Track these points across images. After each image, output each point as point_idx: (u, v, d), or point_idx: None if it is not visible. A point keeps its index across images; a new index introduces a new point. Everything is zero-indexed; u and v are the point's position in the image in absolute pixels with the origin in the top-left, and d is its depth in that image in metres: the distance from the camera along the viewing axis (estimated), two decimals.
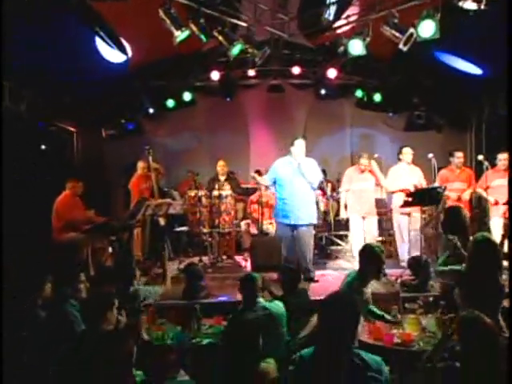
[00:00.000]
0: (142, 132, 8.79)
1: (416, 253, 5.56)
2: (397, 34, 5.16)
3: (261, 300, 3.58)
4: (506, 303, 3.37)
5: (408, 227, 6.15)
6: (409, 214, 6.15)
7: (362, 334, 3.23)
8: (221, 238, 6.96)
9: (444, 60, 6.80)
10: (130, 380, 2.52)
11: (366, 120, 9.12)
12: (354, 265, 6.36)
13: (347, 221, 6.94)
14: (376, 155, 6.34)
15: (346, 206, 6.59)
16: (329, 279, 5.91)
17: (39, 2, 4.66)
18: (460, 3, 4.34)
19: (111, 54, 6.19)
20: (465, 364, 2.34)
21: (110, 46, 5.89)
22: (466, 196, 6.21)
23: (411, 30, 5.01)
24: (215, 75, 7.93)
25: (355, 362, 2.16)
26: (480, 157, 6.06)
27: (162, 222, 6.41)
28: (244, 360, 2.53)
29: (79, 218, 5.83)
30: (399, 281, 5.18)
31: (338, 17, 6.20)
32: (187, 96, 8.49)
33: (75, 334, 2.95)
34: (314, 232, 6.06)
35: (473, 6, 4.34)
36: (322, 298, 4.13)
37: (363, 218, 6.34)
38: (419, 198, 5.42)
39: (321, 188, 7.66)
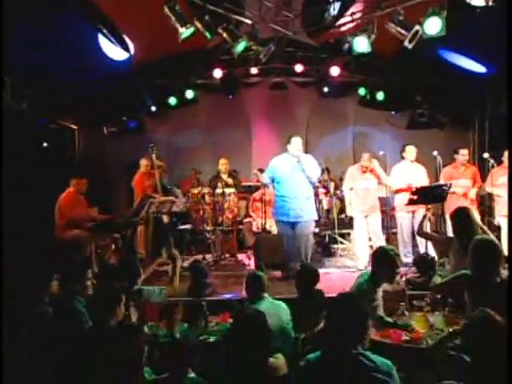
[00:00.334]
0: (144, 130, 8.76)
1: (421, 251, 5.55)
2: (402, 32, 5.13)
3: (266, 295, 3.60)
4: None
5: (411, 226, 6.14)
6: (413, 212, 6.15)
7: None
8: (224, 236, 6.95)
9: (448, 58, 6.79)
10: (139, 378, 2.50)
11: (369, 118, 9.09)
12: (358, 263, 6.39)
13: (351, 219, 6.93)
14: (381, 153, 6.32)
15: (350, 203, 6.55)
16: (332, 278, 5.90)
17: (39, 2, 4.66)
18: (468, 0, 4.32)
19: (114, 52, 6.18)
20: (475, 362, 2.33)
21: (112, 43, 5.88)
22: (473, 194, 6.17)
23: (417, 27, 4.99)
24: (217, 73, 7.91)
25: (364, 363, 2.12)
26: (485, 155, 6.03)
27: (165, 219, 6.40)
28: (252, 354, 2.49)
29: (82, 215, 5.82)
30: (404, 279, 5.16)
31: (341, 14, 6.18)
32: (189, 94, 8.47)
33: (83, 330, 2.94)
34: (313, 229, 6.04)
35: (481, 3, 4.32)
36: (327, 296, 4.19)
37: (366, 216, 6.33)
38: (424, 196, 5.41)
39: (324, 186, 7.68)
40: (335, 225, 7.19)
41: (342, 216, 7.56)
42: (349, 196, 6.55)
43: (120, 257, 5.80)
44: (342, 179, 7.95)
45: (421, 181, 6.15)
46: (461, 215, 4.20)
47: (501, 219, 5.89)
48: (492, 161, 5.85)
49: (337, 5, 6.15)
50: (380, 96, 8.39)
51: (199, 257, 6.77)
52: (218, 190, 6.71)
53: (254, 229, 7.16)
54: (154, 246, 6.57)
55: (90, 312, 2.97)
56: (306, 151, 6.29)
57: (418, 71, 7.73)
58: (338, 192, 7.63)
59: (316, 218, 6.03)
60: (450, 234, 4.92)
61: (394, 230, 6.83)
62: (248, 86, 8.92)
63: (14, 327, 3.27)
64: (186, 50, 6.83)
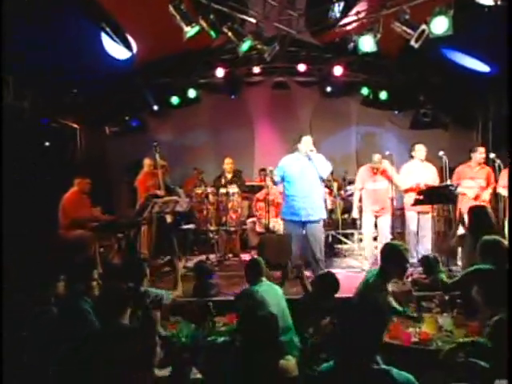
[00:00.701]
0: (146, 129, 8.75)
1: (428, 251, 5.50)
2: (408, 31, 5.11)
3: (264, 279, 3.87)
4: None
5: (419, 225, 6.10)
6: (425, 213, 6.10)
7: None
8: (227, 236, 6.92)
9: (451, 57, 6.76)
10: (148, 379, 2.47)
11: (372, 118, 9.07)
12: (364, 264, 6.36)
13: (354, 219, 6.90)
14: (387, 153, 6.27)
15: (358, 206, 6.52)
16: (340, 278, 5.83)
17: (40, 2, 4.64)
18: None
19: (116, 51, 6.15)
20: (496, 363, 2.30)
21: (115, 42, 5.85)
22: (486, 196, 6.03)
23: (423, 26, 4.97)
24: (220, 72, 7.88)
25: (382, 378, 1.99)
26: (492, 155, 5.98)
27: (168, 219, 6.36)
28: (263, 356, 2.46)
29: (86, 215, 5.80)
30: (410, 279, 5.13)
31: (345, 14, 6.15)
32: (192, 93, 8.45)
33: (90, 330, 2.92)
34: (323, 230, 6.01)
35: (490, 2, 4.30)
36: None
37: (376, 216, 6.29)
38: (429, 196, 5.37)
39: (327, 186, 7.65)
40: (339, 225, 7.16)
41: (345, 216, 7.54)
42: (357, 197, 6.52)
43: (123, 257, 5.77)
44: (344, 179, 7.95)
45: (430, 180, 6.09)
46: (479, 212, 4.17)
47: None
48: (498, 161, 5.80)
49: (341, 4, 6.11)
50: (383, 95, 8.38)
51: (203, 257, 6.74)
52: (222, 190, 6.67)
53: (258, 229, 7.12)
54: (158, 245, 6.56)
55: (97, 312, 2.94)
56: None
57: (421, 70, 7.70)
58: (342, 192, 7.60)
59: (325, 216, 5.99)
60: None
61: (399, 230, 6.80)
62: (250, 86, 8.90)
63: (14, 327, 3.24)
64: (188, 49, 6.80)
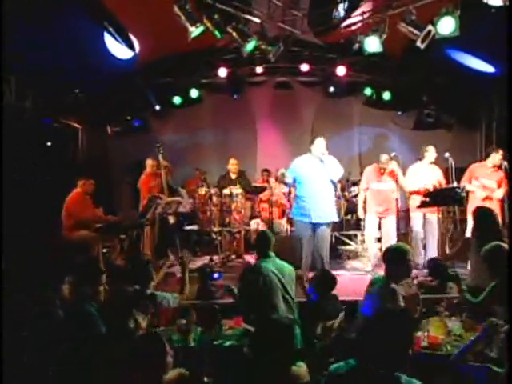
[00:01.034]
0: (148, 129, 8.70)
1: (434, 253, 5.46)
2: (414, 31, 5.06)
3: (272, 255, 3.92)
4: None
5: (425, 227, 6.07)
6: (430, 214, 6.05)
7: None
8: (231, 237, 6.88)
9: (455, 57, 6.73)
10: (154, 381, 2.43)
11: (375, 118, 8.99)
12: (367, 265, 6.33)
13: (357, 220, 6.86)
14: (393, 154, 6.20)
15: (363, 205, 6.47)
16: (344, 280, 5.79)
17: (41, 2, 4.60)
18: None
19: (119, 50, 6.12)
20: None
21: (118, 41, 5.83)
22: (500, 194, 5.84)
23: (429, 27, 4.93)
24: (222, 72, 7.85)
25: None
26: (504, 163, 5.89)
27: (171, 220, 6.33)
28: (275, 362, 2.43)
29: (90, 216, 5.76)
30: (415, 282, 5.10)
31: (349, 14, 6.11)
32: (194, 93, 8.41)
33: (98, 333, 2.89)
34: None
35: (498, 2, 4.26)
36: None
37: (380, 218, 6.25)
38: (435, 198, 5.34)
39: None
40: (343, 226, 7.12)
41: (348, 217, 7.51)
42: (362, 198, 6.47)
43: (127, 258, 5.73)
44: (348, 180, 7.91)
45: (437, 182, 6.02)
46: (483, 214, 4.12)
47: None
48: (505, 163, 5.74)
49: (345, 4, 6.07)
50: (386, 96, 8.34)
51: (206, 258, 6.70)
52: (226, 191, 6.63)
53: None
54: (160, 247, 6.52)
55: (103, 315, 2.91)
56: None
57: (425, 71, 7.66)
58: (346, 193, 7.55)
59: (337, 219, 5.95)
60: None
61: (403, 231, 6.77)
62: (253, 86, 8.85)
63: (14, 327, 3.21)
64: (190, 49, 6.76)
